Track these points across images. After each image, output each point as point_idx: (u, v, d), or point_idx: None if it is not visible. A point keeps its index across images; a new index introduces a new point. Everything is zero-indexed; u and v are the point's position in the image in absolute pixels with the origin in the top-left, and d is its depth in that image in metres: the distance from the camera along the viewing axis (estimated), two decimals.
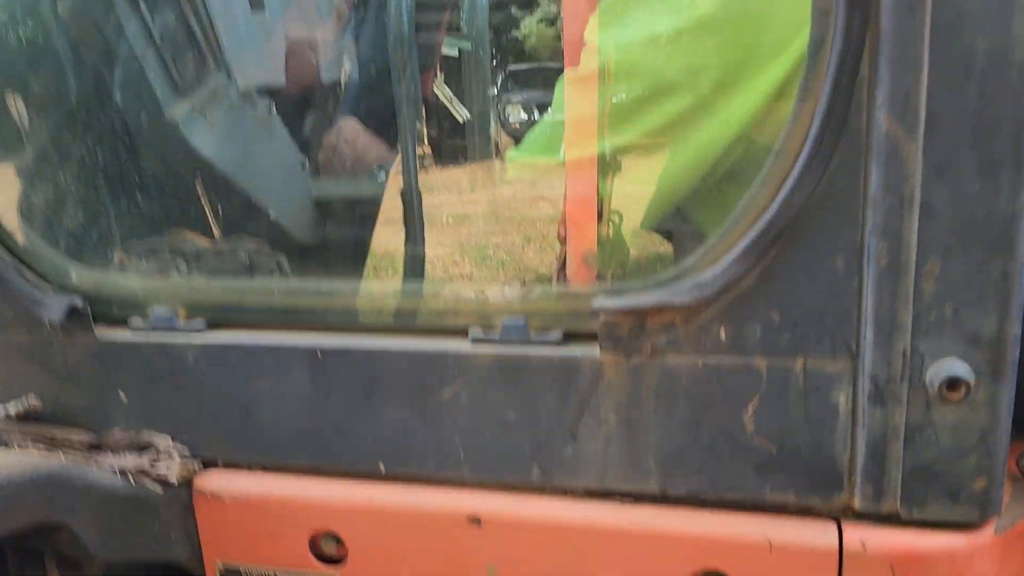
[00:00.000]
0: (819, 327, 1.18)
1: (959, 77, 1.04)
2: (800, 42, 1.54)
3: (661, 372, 1.25)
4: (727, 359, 1.22)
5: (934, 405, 1.15)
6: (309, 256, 2.23)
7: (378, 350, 1.37)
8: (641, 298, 1.23)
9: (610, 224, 2.13)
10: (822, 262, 1.16)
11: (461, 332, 1.36)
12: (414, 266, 2.00)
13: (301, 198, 2.30)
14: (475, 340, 1.34)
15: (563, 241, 2.01)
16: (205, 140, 1.94)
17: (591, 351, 1.28)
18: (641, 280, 1.29)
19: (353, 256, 2.32)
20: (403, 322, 1.41)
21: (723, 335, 1.22)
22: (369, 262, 2.33)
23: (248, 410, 1.46)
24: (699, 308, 1.22)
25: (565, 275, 2.05)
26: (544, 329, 1.32)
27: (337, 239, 2.37)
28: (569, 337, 1.32)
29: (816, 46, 1.13)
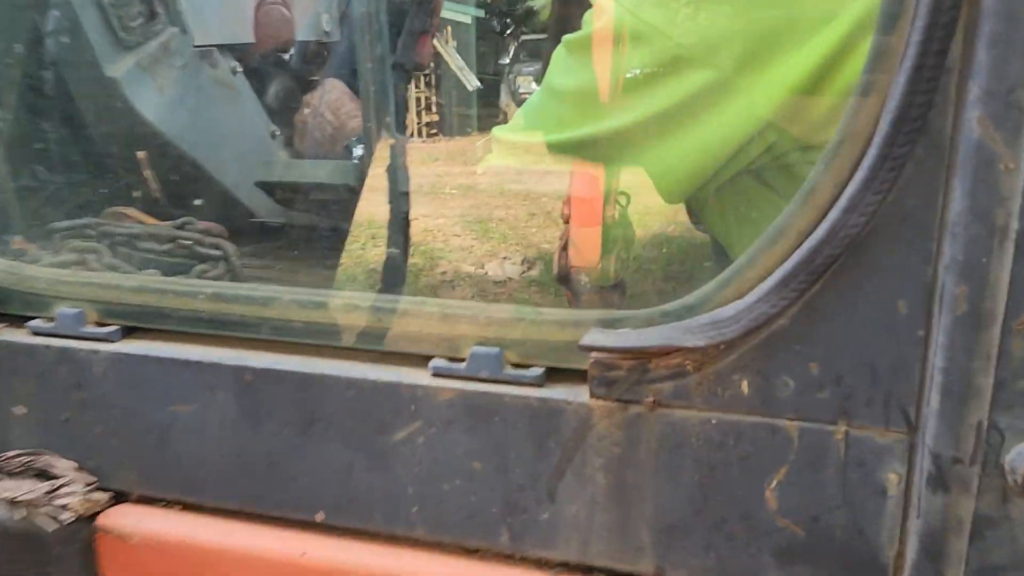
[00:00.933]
0: (870, 386, 0.92)
1: None
2: (850, 15, 1.28)
3: (665, 427, 1.00)
4: (749, 418, 0.97)
5: (1013, 497, 0.89)
6: (274, 241, 1.97)
7: (318, 375, 1.12)
8: (643, 337, 0.97)
9: (617, 205, 1.92)
10: (880, 303, 0.90)
11: (421, 360, 1.11)
12: (394, 268, 1.74)
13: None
14: (437, 372, 1.09)
15: (567, 221, 1.79)
16: (151, 102, 1.67)
17: (579, 394, 1.03)
18: (645, 308, 1.04)
19: (327, 243, 2.05)
20: (351, 342, 1.15)
21: (745, 387, 0.96)
22: (346, 252, 2.07)
23: (166, 437, 1.21)
24: (717, 352, 0.96)
25: (567, 256, 1.83)
26: (523, 362, 1.07)
27: (310, 220, 2.11)
28: (554, 374, 1.07)
29: (889, 21, 0.86)
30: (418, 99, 13.87)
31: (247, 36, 1.96)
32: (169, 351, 1.19)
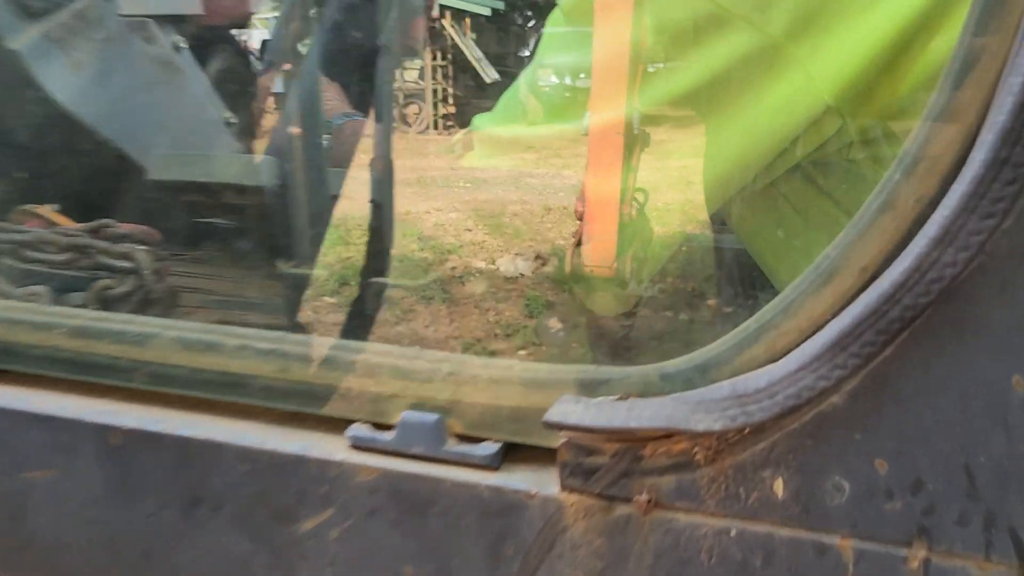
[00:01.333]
0: (963, 496, 0.63)
1: None
2: None
3: (664, 537, 0.71)
4: (784, 531, 0.68)
5: None
6: (222, 246, 1.69)
7: (204, 441, 0.84)
8: (634, 412, 0.68)
9: (634, 202, 1.71)
10: (984, 378, 0.61)
11: (337, 426, 0.82)
12: (369, 291, 1.47)
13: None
14: (356, 443, 0.80)
15: (580, 218, 1.63)
16: (63, 81, 1.40)
17: (546, 484, 0.75)
18: (641, 363, 0.75)
19: (296, 254, 1.76)
20: (249, 397, 0.87)
21: (780, 489, 0.67)
22: (316, 270, 1.79)
23: (19, 510, 0.94)
24: (740, 438, 0.67)
25: (580, 255, 1.63)
26: (471, 434, 0.79)
27: (272, 226, 1.82)
28: (513, 452, 0.78)
29: None
30: (435, 91, 13.66)
31: (191, 6, 1.68)
32: (19, 401, 0.91)
